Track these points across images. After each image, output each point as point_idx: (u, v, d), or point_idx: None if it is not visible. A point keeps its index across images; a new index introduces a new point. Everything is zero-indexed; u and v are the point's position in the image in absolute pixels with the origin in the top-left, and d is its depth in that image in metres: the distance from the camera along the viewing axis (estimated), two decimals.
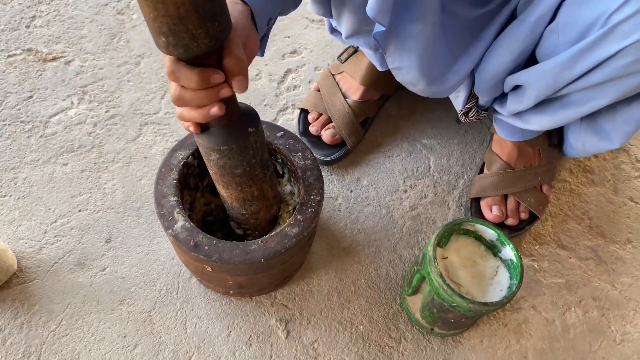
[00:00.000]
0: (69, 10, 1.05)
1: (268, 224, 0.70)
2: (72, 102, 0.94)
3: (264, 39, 0.64)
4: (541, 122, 0.70)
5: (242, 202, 0.63)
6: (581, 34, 0.58)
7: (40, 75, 0.96)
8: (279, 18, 1.07)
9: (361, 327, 0.77)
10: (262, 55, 0.66)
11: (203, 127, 0.55)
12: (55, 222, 0.82)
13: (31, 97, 0.93)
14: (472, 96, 0.78)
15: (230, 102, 0.52)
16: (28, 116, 0.91)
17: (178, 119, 0.55)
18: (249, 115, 0.57)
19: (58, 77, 0.96)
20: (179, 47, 0.43)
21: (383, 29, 0.60)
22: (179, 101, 0.49)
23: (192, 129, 0.54)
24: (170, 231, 0.62)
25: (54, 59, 0.98)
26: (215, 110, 0.49)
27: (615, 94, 0.59)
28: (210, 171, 0.61)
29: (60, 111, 0.92)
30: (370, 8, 0.57)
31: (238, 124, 0.55)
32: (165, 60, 0.47)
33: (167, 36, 0.43)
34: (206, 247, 0.61)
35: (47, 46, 1.00)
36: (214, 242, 0.62)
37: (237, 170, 0.58)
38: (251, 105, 0.95)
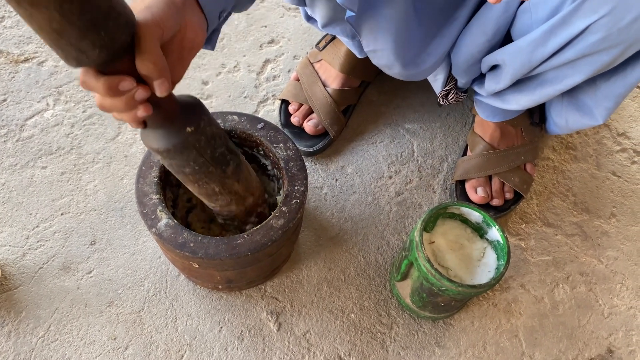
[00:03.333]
0: None
1: (245, 214, 0.67)
2: (47, 104, 0.92)
3: (214, 33, 0.60)
4: (520, 102, 0.71)
5: (205, 197, 0.61)
6: (552, 11, 0.58)
7: (13, 77, 0.94)
8: (254, 7, 1.05)
9: (352, 315, 0.77)
10: (213, 49, 0.62)
11: (145, 124, 0.51)
12: (37, 226, 0.81)
13: (5, 100, 0.91)
14: (450, 78, 0.78)
15: (159, 102, 0.47)
16: (3, 120, 0.89)
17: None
18: (189, 113, 0.52)
19: (32, 79, 0.94)
20: (71, 60, 0.40)
21: (353, 13, 0.60)
22: (102, 108, 0.46)
23: (134, 124, 0.50)
24: (154, 230, 0.61)
25: (26, 60, 0.96)
26: (140, 112, 0.46)
27: (589, 71, 0.60)
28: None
29: (36, 113, 0.91)
30: None
31: (174, 123, 0.51)
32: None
33: (57, 51, 0.39)
34: (191, 244, 0.61)
35: (18, 47, 0.97)
36: (199, 238, 0.61)
37: (185, 170, 0.55)
38: (230, 97, 0.94)
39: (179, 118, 0.51)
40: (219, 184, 0.59)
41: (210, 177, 0.57)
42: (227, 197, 0.61)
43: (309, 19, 0.80)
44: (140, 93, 0.45)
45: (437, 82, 0.80)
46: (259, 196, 0.68)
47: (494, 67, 0.71)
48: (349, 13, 0.61)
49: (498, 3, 0.63)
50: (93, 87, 0.43)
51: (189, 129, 0.51)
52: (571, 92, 0.72)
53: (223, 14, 0.60)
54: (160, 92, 0.45)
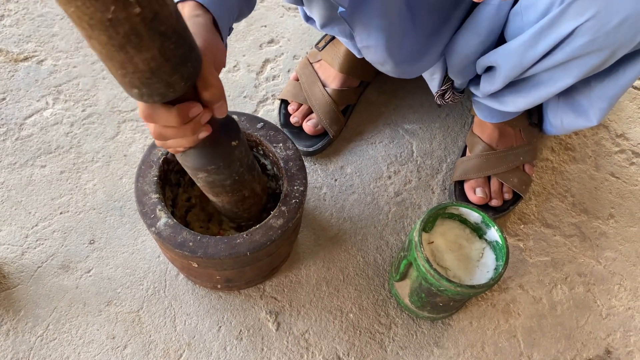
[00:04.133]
0: (38, 8, 1.02)
1: (259, 213, 0.70)
2: (47, 103, 0.92)
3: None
4: (516, 103, 0.71)
5: (234, 204, 0.63)
6: (542, 14, 0.59)
7: (12, 76, 0.94)
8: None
9: (351, 315, 0.77)
10: (224, 66, 0.64)
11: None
12: (36, 225, 0.80)
13: (4, 99, 0.91)
14: (447, 78, 0.78)
15: (211, 121, 0.50)
16: (2, 119, 0.89)
17: (161, 146, 0.52)
18: (230, 128, 0.55)
19: (31, 78, 0.94)
20: (155, 97, 0.41)
21: (344, 9, 0.61)
22: (161, 137, 0.47)
23: (176, 151, 0.52)
24: (153, 229, 0.61)
25: (26, 58, 0.96)
26: (203, 134, 0.49)
27: (580, 73, 0.60)
28: (198, 184, 0.60)
29: (35, 112, 0.91)
30: None
31: (221, 140, 0.53)
32: (138, 103, 0.44)
33: (139, 88, 0.40)
34: (191, 243, 0.61)
35: (17, 46, 0.97)
36: (199, 237, 0.61)
37: (226, 182, 0.58)
38: (230, 97, 0.94)
39: (223, 134, 0.53)
40: (249, 189, 0.62)
41: (244, 185, 0.61)
42: (251, 200, 0.64)
43: (308, 19, 0.80)
44: (206, 116, 0.47)
45: (433, 81, 0.80)
46: (268, 196, 0.70)
47: (488, 69, 0.71)
48: (340, 8, 0.61)
49: (486, 2, 0.64)
50: (162, 119, 0.44)
51: (234, 143, 0.55)
52: (567, 93, 0.72)
53: (230, 31, 0.62)
54: (220, 113, 0.48)
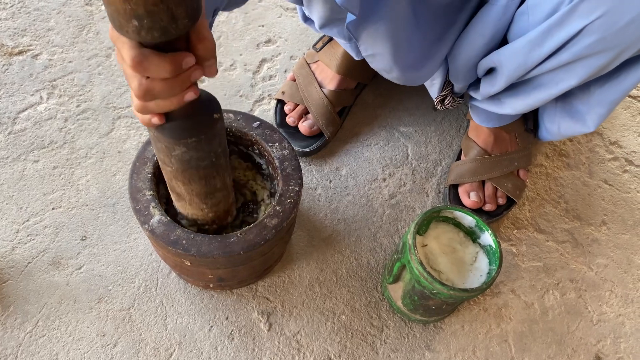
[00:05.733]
0: (34, 2, 1.01)
1: (224, 215, 0.66)
2: (41, 97, 0.91)
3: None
4: (515, 106, 0.71)
5: (203, 196, 0.60)
6: (550, 13, 0.58)
7: (7, 69, 0.93)
8: (251, 6, 1.05)
9: (343, 317, 0.77)
10: None
11: (165, 118, 0.49)
12: (27, 220, 0.80)
13: None
14: (447, 83, 0.78)
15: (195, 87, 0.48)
16: None
17: (138, 113, 0.47)
18: (211, 101, 0.52)
19: (25, 72, 0.93)
20: (154, 31, 0.37)
21: (355, 18, 0.60)
22: (148, 95, 0.44)
23: (155, 120, 0.48)
24: (146, 226, 0.61)
25: (21, 52, 0.95)
26: (190, 94, 0.45)
27: (584, 75, 0.60)
28: (169, 168, 0.56)
29: (29, 106, 0.90)
30: None
31: (203, 111, 0.50)
32: (124, 49, 0.40)
33: (141, 19, 0.36)
34: (184, 241, 0.60)
35: (12, 39, 0.96)
36: (192, 235, 0.61)
37: (203, 163, 0.54)
38: (226, 96, 0.94)
39: (205, 106, 0.50)
40: (221, 178, 0.59)
41: (218, 171, 0.57)
42: (221, 193, 0.61)
43: (306, 20, 0.80)
44: (197, 73, 0.44)
45: (434, 87, 0.80)
46: (234, 194, 0.67)
47: (489, 71, 0.71)
48: (349, 17, 0.60)
49: (493, 3, 0.63)
50: (154, 67, 0.41)
51: (216, 115, 0.51)
52: (564, 98, 0.72)
53: (216, 13, 0.61)
54: (210, 72, 0.45)
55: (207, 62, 0.44)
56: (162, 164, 0.56)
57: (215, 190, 0.60)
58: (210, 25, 0.61)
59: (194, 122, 0.50)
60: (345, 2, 0.56)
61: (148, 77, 0.43)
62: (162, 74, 0.42)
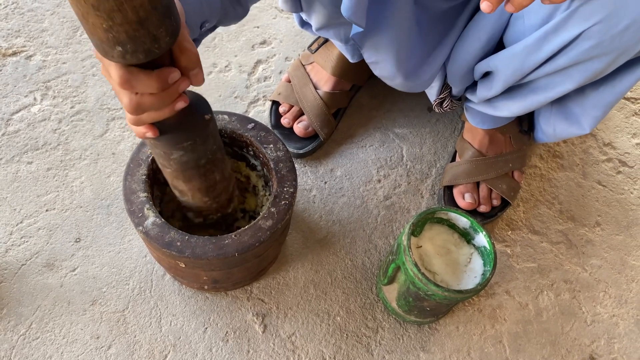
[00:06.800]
0: (28, 3, 1.01)
1: (227, 203, 0.68)
2: (35, 98, 0.90)
3: (195, 43, 0.61)
4: (511, 108, 0.71)
5: (205, 190, 0.61)
6: (545, 18, 0.59)
7: (0, 71, 0.93)
8: None
9: (338, 319, 0.76)
10: None
11: (159, 129, 0.51)
12: (21, 222, 0.79)
13: None
14: (445, 86, 0.78)
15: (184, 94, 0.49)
16: None
17: (132, 125, 0.49)
18: (200, 102, 0.54)
19: (19, 73, 0.93)
20: (139, 54, 0.39)
21: (360, 29, 0.60)
22: (139, 109, 0.45)
23: (150, 134, 0.50)
24: (140, 228, 0.61)
25: (14, 53, 0.95)
26: (180, 104, 0.47)
27: (581, 79, 0.60)
28: (169, 170, 0.57)
29: (23, 108, 0.89)
30: (346, 9, 0.56)
31: (194, 114, 0.52)
32: (111, 69, 0.42)
33: (124, 45, 0.38)
34: (178, 243, 0.60)
35: (6, 40, 0.96)
36: (186, 237, 0.61)
37: (200, 161, 0.56)
38: (221, 97, 0.94)
39: (195, 109, 0.52)
40: (220, 171, 0.60)
41: (216, 165, 0.58)
42: (222, 184, 0.62)
43: (303, 24, 0.80)
44: (184, 84, 0.45)
45: (432, 90, 0.80)
46: (233, 181, 0.68)
47: (486, 74, 0.71)
48: (355, 29, 0.60)
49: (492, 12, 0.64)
50: (142, 84, 0.42)
51: (207, 117, 0.53)
52: (560, 101, 0.73)
53: (205, 25, 0.61)
54: (197, 81, 0.46)
55: (192, 72, 0.45)
56: (161, 167, 0.58)
57: (215, 183, 0.61)
58: (200, 39, 0.63)
59: (187, 126, 0.52)
60: (353, 15, 0.56)
61: (137, 93, 0.44)
62: (150, 90, 0.43)
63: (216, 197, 0.64)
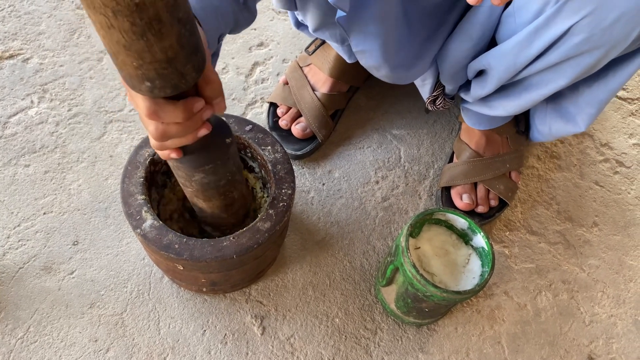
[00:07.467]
0: (25, 6, 1.01)
1: (244, 218, 0.70)
2: (32, 101, 0.90)
3: (214, 57, 0.63)
4: (506, 107, 0.72)
5: (223, 208, 0.63)
6: (536, 14, 0.59)
7: None
8: None
9: (337, 320, 0.76)
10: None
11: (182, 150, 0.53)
12: (18, 225, 0.79)
13: None
14: (438, 84, 0.79)
15: (208, 120, 0.50)
16: None
17: (157, 151, 0.51)
18: (222, 126, 0.55)
19: (16, 76, 0.93)
20: (167, 89, 0.40)
21: (345, 14, 0.60)
22: (164, 137, 0.47)
23: (174, 155, 0.51)
24: (138, 230, 0.61)
25: (11, 56, 0.95)
26: (203, 131, 0.49)
27: (573, 74, 0.60)
28: (190, 189, 0.59)
29: (20, 111, 0.89)
30: None
31: (216, 138, 0.53)
32: (138, 100, 0.43)
33: (152, 81, 0.39)
34: (176, 246, 0.60)
35: (3, 43, 0.96)
36: (184, 240, 0.61)
37: (220, 183, 0.57)
38: None
39: (217, 132, 0.53)
40: (238, 190, 0.62)
41: (235, 186, 0.60)
42: (239, 202, 0.64)
43: (299, 25, 0.80)
44: (208, 112, 0.47)
45: (425, 87, 0.80)
46: (250, 197, 0.69)
47: (479, 73, 0.71)
48: (339, 13, 0.61)
49: (480, 5, 0.64)
50: (168, 115, 0.44)
51: (228, 140, 0.54)
52: (554, 99, 0.73)
53: (222, 38, 0.62)
54: (220, 109, 0.48)
55: (215, 100, 0.47)
56: (183, 186, 0.60)
57: (233, 201, 0.63)
58: (217, 53, 0.64)
59: (209, 150, 0.53)
60: (337, 1, 0.56)
61: (163, 122, 0.45)
62: (176, 120, 0.45)
63: (234, 214, 0.66)
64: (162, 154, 0.52)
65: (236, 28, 0.66)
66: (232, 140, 0.56)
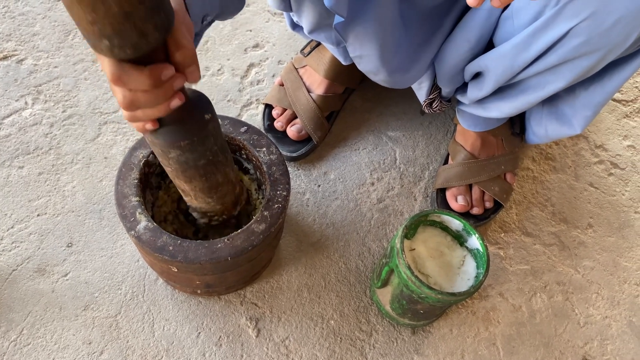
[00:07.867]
0: (19, 7, 1.01)
1: (232, 206, 0.67)
2: (26, 103, 0.90)
3: (196, 38, 0.61)
4: (502, 109, 0.72)
5: (207, 191, 0.60)
6: (534, 17, 0.59)
7: None
8: (240, 11, 1.05)
9: (332, 322, 0.76)
10: None
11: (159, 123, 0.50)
12: (12, 227, 0.79)
13: None
14: (435, 87, 0.79)
15: (182, 91, 0.48)
16: None
17: (129, 121, 0.48)
18: (201, 101, 0.53)
19: (10, 77, 0.92)
20: (127, 49, 0.38)
21: (342, 19, 0.60)
22: (132, 106, 0.44)
23: (149, 126, 0.49)
24: (132, 232, 0.61)
25: (5, 57, 0.94)
26: (176, 102, 0.46)
27: (571, 77, 0.60)
28: (169, 169, 0.57)
29: (14, 112, 0.89)
30: None
31: (193, 113, 0.51)
32: (104, 65, 0.41)
33: (110, 39, 0.37)
34: (171, 248, 0.60)
35: None
36: (179, 242, 0.60)
37: (200, 162, 0.55)
38: (214, 101, 0.94)
39: (195, 107, 0.51)
40: (222, 173, 0.59)
41: (217, 167, 0.57)
42: (226, 187, 0.61)
43: (295, 27, 0.80)
44: (179, 81, 0.44)
45: (421, 90, 0.80)
46: (240, 186, 0.67)
47: (476, 75, 0.71)
48: (337, 19, 0.61)
49: (479, 7, 0.64)
50: (133, 80, 0.42)
51: (207, 116, 0.52)
52: (551, 101, 0.73)
53: (206, 19, 0.60)
54: (193, 79, 0.45)
55: (188, 69, 0.45)
56: (163, 166, 0.57)
57: (218, 185, 0.60)
58: (201, 34, 0.62)
59: (185, 124, 0.51)
60: (334, 4, 0.56)
61: (131, 89, 0.43)
62: (142, 86, 0.42)
63: (220, 199, 0.63)
64: (137, 126, 0.49)
65: (223, 14, 0.64)
66: (212, 117, 0.53)
